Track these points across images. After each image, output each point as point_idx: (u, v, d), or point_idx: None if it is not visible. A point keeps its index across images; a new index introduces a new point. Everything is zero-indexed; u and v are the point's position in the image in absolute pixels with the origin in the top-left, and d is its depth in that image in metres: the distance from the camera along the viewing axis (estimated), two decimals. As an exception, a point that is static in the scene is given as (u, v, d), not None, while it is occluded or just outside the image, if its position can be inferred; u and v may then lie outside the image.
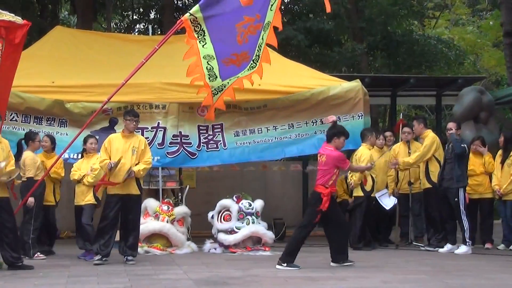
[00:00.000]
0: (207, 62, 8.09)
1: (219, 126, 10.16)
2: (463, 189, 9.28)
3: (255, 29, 8.01)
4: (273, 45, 8.39)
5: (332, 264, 7.70)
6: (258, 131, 10.35)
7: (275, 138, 10.35)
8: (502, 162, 9.83)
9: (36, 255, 8.32)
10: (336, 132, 7.82)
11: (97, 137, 9.16)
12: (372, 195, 9.74)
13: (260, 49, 8.24)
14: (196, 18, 7.76)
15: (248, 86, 10.18)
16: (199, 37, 7.89)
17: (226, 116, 10.14)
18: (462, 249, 9.19)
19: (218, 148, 10.11)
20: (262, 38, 8.15)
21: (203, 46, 7.95)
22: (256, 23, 7.97)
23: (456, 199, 9.24)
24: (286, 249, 7.61)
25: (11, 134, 9.23)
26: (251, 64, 8.34)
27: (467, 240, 9.21)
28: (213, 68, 8.16)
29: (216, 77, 8.27)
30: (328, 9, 8.13)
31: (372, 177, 9.68)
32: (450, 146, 9.45)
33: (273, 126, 10.36)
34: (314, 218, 7.62)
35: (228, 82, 8.52)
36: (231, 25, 7.95)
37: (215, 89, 8.50)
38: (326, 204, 7.48)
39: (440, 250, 9.40)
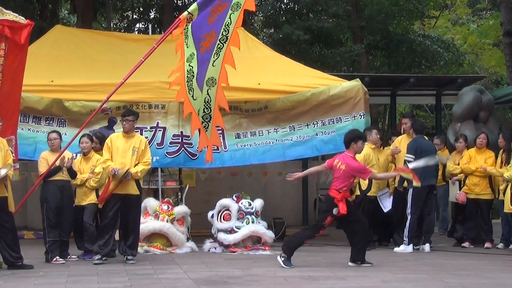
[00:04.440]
0: (189, 64, 7.95)
1: (220, 128, 10.13)
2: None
3: (223, 8, 7.91)
4: (239, 29, 8.20)
5: (350, 264, 7.71)
6: (259, 133, 10.31)
7: (276, 140, 10.30)
8: (508, 162, 9.44)
9: (54, 259, 8.03)
10: (353, 136, 7.77)
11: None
12: (369, 194, 9.53)
13: (227, 30, 8.00)
14: (193, 16, 7.75)
15: (248, 85, 10.20)
16: (185, 34, 7.84)
17: (227, 118, 10.04)
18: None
19: (218, 150, 10.03)
20: (230, 18, 7.95)
21: (186, 45, 7.86)
22: (224, 2, 7.88)
23: None
24: (288, 242, 7.80)
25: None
26: (218, 44, 8.03)
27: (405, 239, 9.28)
28: (192, 68, 8.00)
29: (194, 75, 8.02)
30: (253, 7, 8.10)
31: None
32: None
33: (274, 129, 10.31)
34: (323, 220, 7.69)
35: (209, 98, 8.21)
36: (207, 10, 7.89)
37: (202, 116, 8.23)
38: (343, 209, 7.49)
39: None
